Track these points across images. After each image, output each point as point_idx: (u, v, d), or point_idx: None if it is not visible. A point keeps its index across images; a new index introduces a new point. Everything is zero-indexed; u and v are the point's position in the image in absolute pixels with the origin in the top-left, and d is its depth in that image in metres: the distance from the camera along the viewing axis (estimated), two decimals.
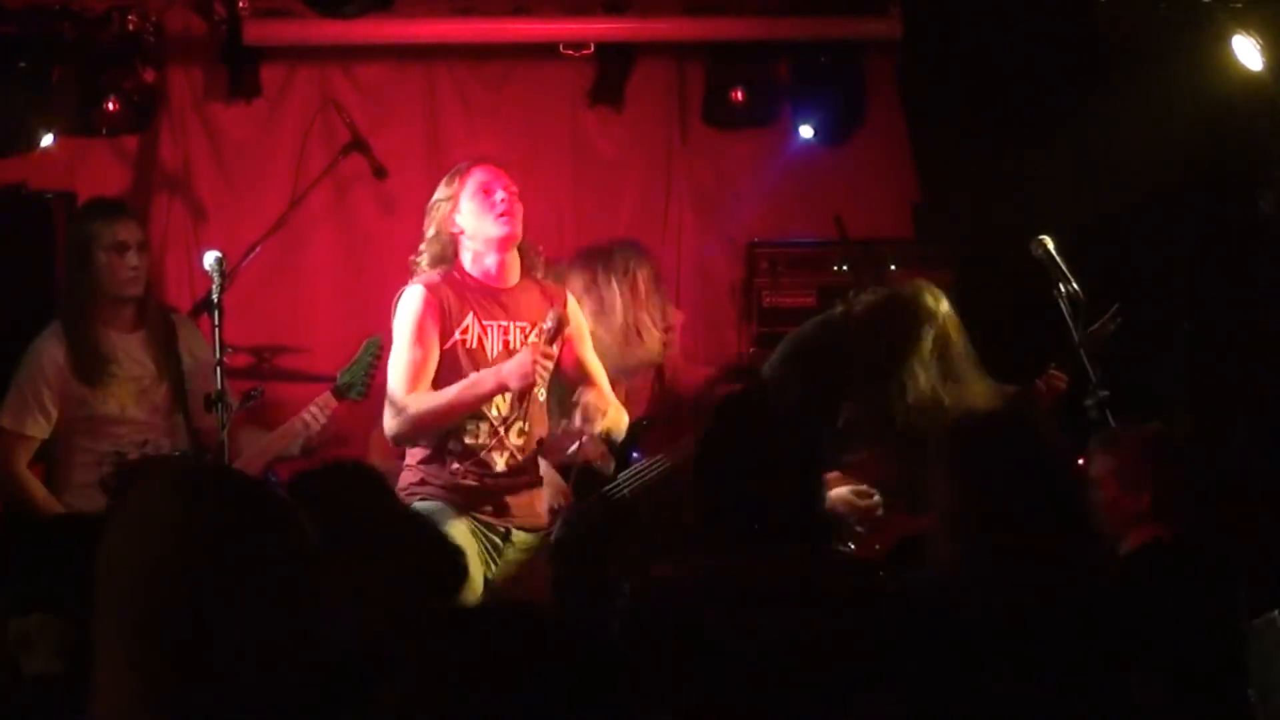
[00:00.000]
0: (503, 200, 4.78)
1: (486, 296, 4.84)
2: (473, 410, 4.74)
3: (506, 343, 4.85)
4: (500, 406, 4.82)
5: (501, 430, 4.81)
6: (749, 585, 3.04)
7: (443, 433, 4.78)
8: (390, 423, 4.73)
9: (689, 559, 3.23)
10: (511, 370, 4.69)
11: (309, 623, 1.98)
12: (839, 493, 4.95)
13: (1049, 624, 2.93)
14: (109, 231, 5.26)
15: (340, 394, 5.26)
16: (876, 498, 4.95)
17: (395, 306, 4.84)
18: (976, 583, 2.99)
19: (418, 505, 4.78)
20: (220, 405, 4.82)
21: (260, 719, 1.92)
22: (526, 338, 4.85)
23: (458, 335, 4.79)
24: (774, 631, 2.92)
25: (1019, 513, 3.05)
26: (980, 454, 3.17)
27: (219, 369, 4.85)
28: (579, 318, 5.04)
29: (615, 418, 4.88)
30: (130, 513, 1.99)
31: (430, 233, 4.87)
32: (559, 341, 4.76)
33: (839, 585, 3.08)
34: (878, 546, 5.00)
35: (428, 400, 4.71)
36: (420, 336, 4.74)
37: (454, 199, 4.83)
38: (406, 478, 4.87)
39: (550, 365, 4.70)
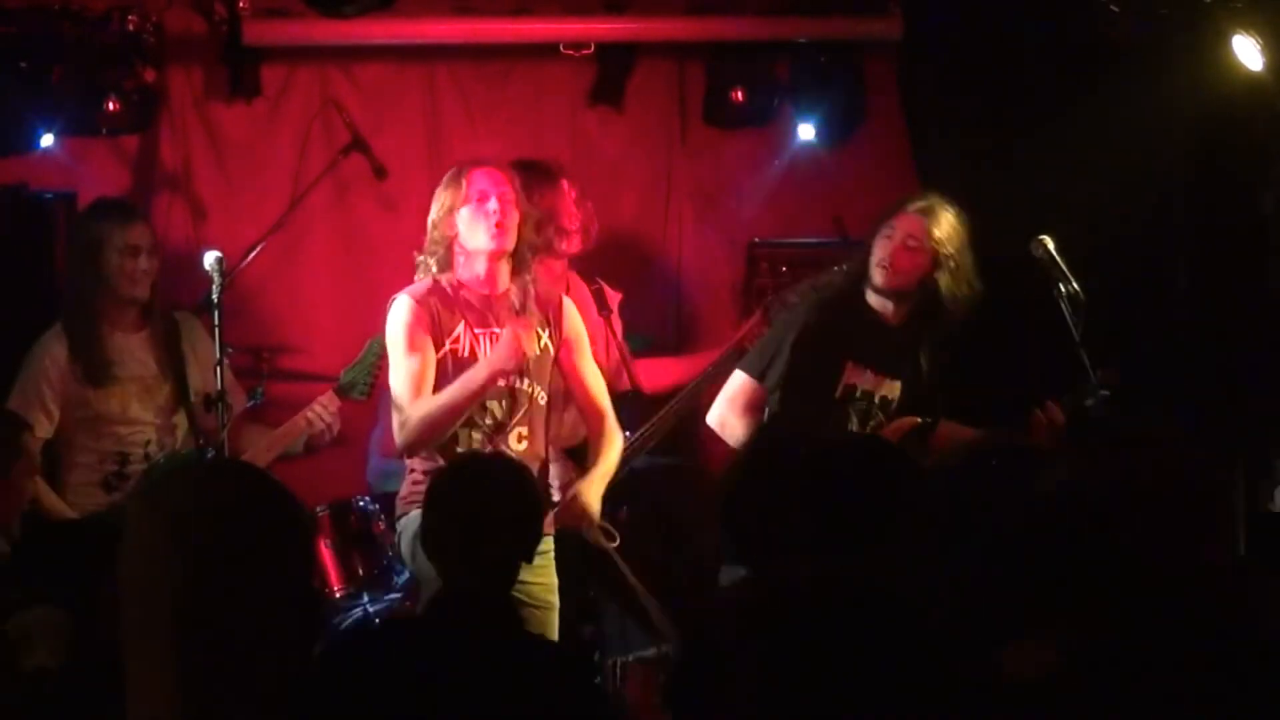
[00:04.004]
0: (495, 211, 4.75)
1: (477, 304, 4.80)
2: (472, 405, 4.71)
3: None
4: (496, 412, 4.80)
5: (497, 437, 4.80)
6: None
7: (443, 443, 4.74)
8: (399, 435, 4.74)
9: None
10: (499, 352, 4.68)
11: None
12: None
13: None
14: (121, 234, 5.26)
15: (342, 393, 5.26)
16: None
17: (386, 318, 4.84)
18: None
19: (416, 514, 4.78)
20: (220, 405, 4.82)
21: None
22: None
23: (449, 345, 4.76)
24: None
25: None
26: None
27: (219, 369, 4.85)
28: (576, 322, 5.01)
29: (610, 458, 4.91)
30: (158, 509, 1.99)
31: (434, 236, 4.84)
32: (531, 309, 4.77)
33: None
34: None
35: (426, 405, 4.69)
36: (413, 345, 4.72)
37: (451, 206, 4.80)
38: (407, 486, 4.86)
39: (535, 339, 4.71)
